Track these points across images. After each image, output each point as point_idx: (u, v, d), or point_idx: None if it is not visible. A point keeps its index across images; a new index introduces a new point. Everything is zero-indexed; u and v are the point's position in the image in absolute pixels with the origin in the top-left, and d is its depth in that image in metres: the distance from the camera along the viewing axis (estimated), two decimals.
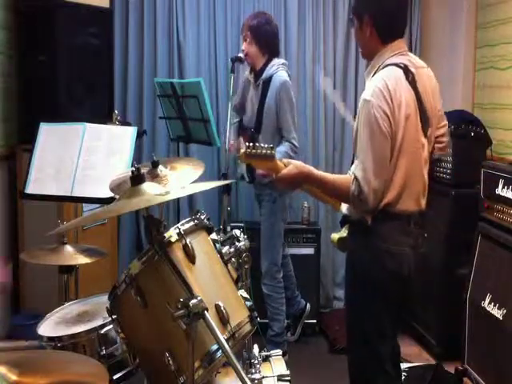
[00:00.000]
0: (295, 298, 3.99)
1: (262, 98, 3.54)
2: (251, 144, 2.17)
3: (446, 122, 2.42)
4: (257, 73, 3.59)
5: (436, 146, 2.34)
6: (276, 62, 3.56)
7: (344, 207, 2.35)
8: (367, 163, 2.10)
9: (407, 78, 2.17)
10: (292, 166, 2.22)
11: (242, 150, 2.17)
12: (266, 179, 3.43)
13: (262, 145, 2.18)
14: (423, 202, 2.28)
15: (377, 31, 2.23)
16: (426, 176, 2.26)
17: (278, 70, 3.52)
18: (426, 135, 2.22)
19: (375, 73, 2.22)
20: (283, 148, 3.45)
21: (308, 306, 4.02)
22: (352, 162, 2.37)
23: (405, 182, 2.18)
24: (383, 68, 2.20)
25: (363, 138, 2.13)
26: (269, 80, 3.52)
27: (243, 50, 3.58)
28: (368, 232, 2.22)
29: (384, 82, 2.13)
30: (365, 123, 2.12)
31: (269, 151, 2.16)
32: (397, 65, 2.18)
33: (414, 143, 2.18)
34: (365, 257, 2.24)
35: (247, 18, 3.68)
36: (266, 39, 3.55)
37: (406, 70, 2.18)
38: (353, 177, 2.13)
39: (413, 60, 2.27)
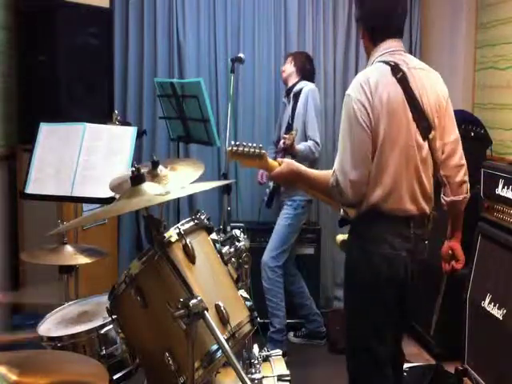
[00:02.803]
0: (314, 314, 4.01)
1: (294, 105, 3.85)
2: (237, 143, 2.26)
3: (454, 136, 2.32)
4: (289, 89, 3.95)
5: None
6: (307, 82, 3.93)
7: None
8: (345, 155, 2.13)
9: (395, 75, 2.15)
10: (284, 164, 2.29)
11: (229, 148, 2.25)
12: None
13: (250, 144, 2.27)
14: (426, 205, 2.25)
15: (368, 33, 2.28)
16: (425, 178, 2.22)
17: (308, 84, 3.89)
18: (425, 137, 2.18)
19: None
20: (307, 143, 3.75)
21: (325, 338, 4.02)
22: None
23: (394, 182, 2.15)
24: (371, 65, 2.23)
25: (342, 130, 2.17)
26: (299, 91, 3.86)
27: (282, 69, 4.02)
28: (361, 234, 2.21)
29: (365, 76, 2.16)
30: (344, 116, 2.17)
31: (257, 150, 2.26)
32: (385, 62, 2.19)
33: (405, 142, 2.14)
34: (359, 259, 2.22)
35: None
36: (305, 65, 3.96)
37: (395, 68, 2.17)
38: (333, 169, 2.17)
39: (407, 60, 2.24)
